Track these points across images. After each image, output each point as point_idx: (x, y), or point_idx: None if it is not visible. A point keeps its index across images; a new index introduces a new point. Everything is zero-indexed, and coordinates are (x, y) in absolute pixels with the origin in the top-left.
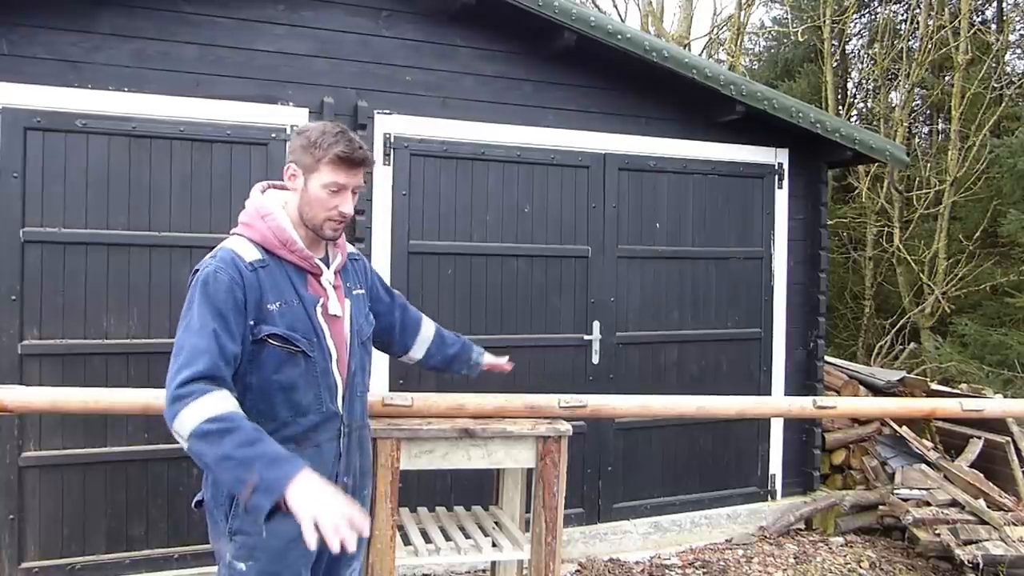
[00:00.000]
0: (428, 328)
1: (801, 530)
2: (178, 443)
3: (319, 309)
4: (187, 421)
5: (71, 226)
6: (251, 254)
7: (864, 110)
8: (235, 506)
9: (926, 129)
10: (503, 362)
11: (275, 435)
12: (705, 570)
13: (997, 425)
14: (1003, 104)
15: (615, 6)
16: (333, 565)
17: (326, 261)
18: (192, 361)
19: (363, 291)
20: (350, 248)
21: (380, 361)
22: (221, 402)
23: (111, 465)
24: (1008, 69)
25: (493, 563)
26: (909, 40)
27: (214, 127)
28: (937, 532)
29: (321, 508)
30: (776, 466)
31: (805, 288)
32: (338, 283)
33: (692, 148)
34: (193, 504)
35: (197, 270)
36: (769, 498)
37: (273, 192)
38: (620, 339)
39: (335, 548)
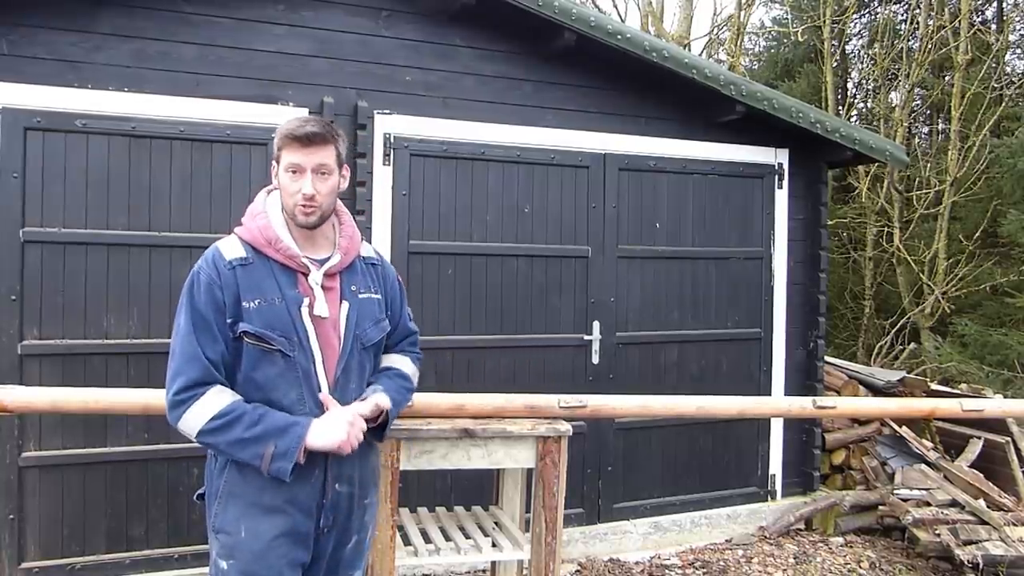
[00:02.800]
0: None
1: (801, 530)
2: (179, 444)
3: (304, 309)
4: (192, 423)
5: (71, 226)
6: (233, 252)
7: (864, 110)
8: (219, 504)
9: (926, 129)
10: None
11: None
12: (705, 570)
13: (997, 425)
14: (1003, 104)
15: (615, 6)
16: (333, 570)
17: (325, 261)
18: (183, 368)
19: (378, 296)
20: (369, 252)
21: None
22: (217, 397)
23: (111, 465)
24: (1008, 69)
25: (493, 563)
26: (909, 40)
27: (214, 127)
28: (937, 532)
29: (334, 437)
30: (776, 466)
31: (805, 288)
32: (332, 284)
33: (692, 148)
34: (196, 496)
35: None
36: (769, 498)
37: (276, 194)
38: (620, 339)
39: (349, 449)
